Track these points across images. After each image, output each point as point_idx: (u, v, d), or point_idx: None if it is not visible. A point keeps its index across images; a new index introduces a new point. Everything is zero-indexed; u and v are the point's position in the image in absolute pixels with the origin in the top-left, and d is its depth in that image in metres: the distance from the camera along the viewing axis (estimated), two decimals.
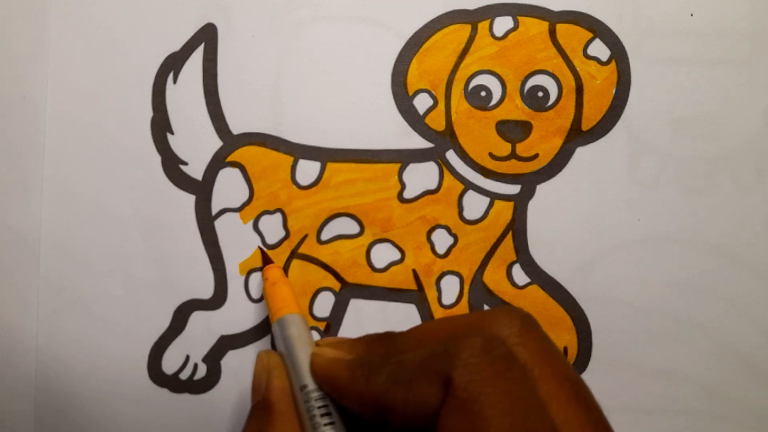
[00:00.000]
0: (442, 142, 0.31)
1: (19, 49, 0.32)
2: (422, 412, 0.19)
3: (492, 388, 0.18)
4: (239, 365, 0.31)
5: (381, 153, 0.31)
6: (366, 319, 0.32)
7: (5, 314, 0.32)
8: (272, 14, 0.32)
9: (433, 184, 0.31)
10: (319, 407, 0.23)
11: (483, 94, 0.31)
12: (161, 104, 0.32)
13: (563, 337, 0.31)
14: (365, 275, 0.31)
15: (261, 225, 0.32)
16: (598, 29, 0.31)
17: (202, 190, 0.32)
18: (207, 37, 0.32)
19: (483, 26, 0.31)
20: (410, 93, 0.31)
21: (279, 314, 0.27)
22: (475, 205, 0.31)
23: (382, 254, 0.31)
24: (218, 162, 0.32)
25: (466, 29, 0.31)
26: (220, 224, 0.32)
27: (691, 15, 0.31)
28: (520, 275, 0.31)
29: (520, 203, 0.31)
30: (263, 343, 0.31)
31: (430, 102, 0.31)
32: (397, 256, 0.31)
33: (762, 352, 0.31)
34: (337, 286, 0.32)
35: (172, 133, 0.32)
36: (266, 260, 0.30)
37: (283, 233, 0.32)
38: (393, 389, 0.20)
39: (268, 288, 0.29)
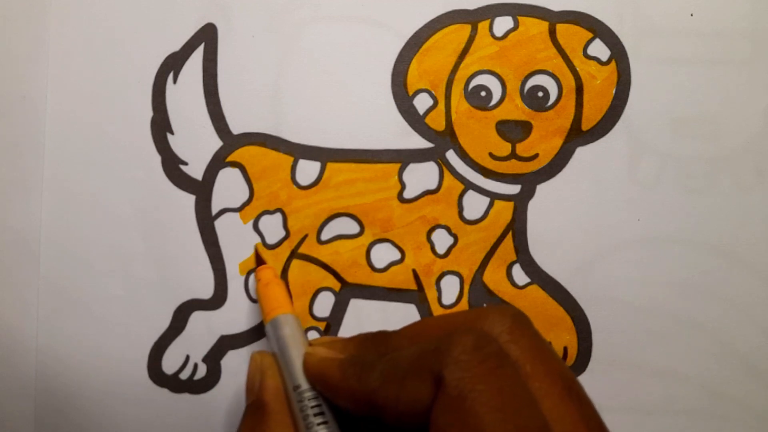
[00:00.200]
0: (442, 142, 0.31)
1: (19, 49, 0.32)
2: (414, 410, 0.19)
3: (483, 385, 0.18)
4: (239, 365, 0.31)
5: (381, 153, 0.31)
6: (366, 319, 0.32)
7: (5, 314, 0.32)
8: (272, 14, 0.32)
9: (433, 184, 0.31)
10: (312, 407, 0.23)
11: (483, 94, 0.31)
12: (161, 104, 0.32)
13: (563, 337, 0.31)
14: (365, 275, 0.31)
15: (261, 225, 0.32)
16: (598, 29, 0.31)
17: (202, 190, 0.32)
18: (207, 37, 0.32)
19: (483, 26, 0.31)
20: (410, 93, 0.31)
21: (272, 315, 0.27)
22: (475, 205, 0.31)
23: (382, 254, 0.31)
24: (218, 162, 0.32)
25: (466, 29, 0.31)
26: (220, 224, 0.32)
27: (691, 15, 0.31)
28: (520, 275, 0.31)
29: (520, 203, 0.31)
30: (263, 343, 0.31)
31: (430, 102, 0.31)
32: (397, 256, 0.31)
33: (762, 352, 0.31)
34: (337, 286, 0.32)
35: (172, 133, 0.32)
36: (259, 261, 0.30)
37: (283, 233, 0.32)
38: (385, 387, 0.20)
39: (260, 289, 0.29)
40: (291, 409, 0.24)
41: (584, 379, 0.31)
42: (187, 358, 0.32)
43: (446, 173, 0.31)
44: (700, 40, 0.31)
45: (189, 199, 0.32)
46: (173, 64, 0.32)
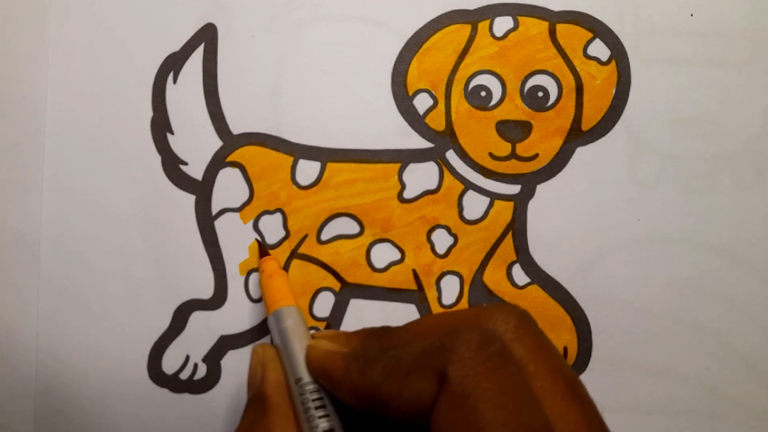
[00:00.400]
0: (442, 142, 0.31)
1: (19, 49, 0.32)
2: (417, 406, 0.19)
3: (487, 383, 0.18)
4: (239, 365, 0.31)
5: (381, 153, 0.31)
6: (366, 319, 0.32)
7: (5, 314, 0.32)
8: (272, 14, 0.32)
9: (433, 184, 0.31)
10: (313, 400, 0.23)
11: (483, 94, 0.31)
12: (161, 104, 0.32)
13: (563, 337, 0.31)
14: (365, 275, 0.31)
15: (261, 225, 0.32)
16: (598, 29, 0.31)
17: (202, 190, 0.32)
18: (207, 37, 0.32)
19: (483, 26, 0.31)
20: (410, 93, 0.31)
21: (275, 306, 0.27)
22: (475, 205, 0.31)
23: (382, 254, 0.31)
24: (218, 162, 0.32)
25: (466, 29, 0.31)
26: (220, 224, 0.32)
27: (691, 15, 0.31)
28: (520, 275, 0.31)
29: (520, 203, 0.31)
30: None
31: (430, 102, 0.31)
32: (397, 256, 0.31)
33: (762, 352, 0.31)
34: (337, 286, 0.32)
35: (172, 133, 0.32)
36: (263, 252, 0.30)
37: (283, 233, 0.32)
38: (388, 382, 0.20)
39: (264, 280, 0.29)
40: (292, 402, 0.24)
41: (584, 379, 0.31)
42: (187, 358, 0.32)
43: (446, 173, 0.31)
44: (700, 40, 0.31)
45: (189, 199, 0.32)
46: (173, 64, 0.32)
